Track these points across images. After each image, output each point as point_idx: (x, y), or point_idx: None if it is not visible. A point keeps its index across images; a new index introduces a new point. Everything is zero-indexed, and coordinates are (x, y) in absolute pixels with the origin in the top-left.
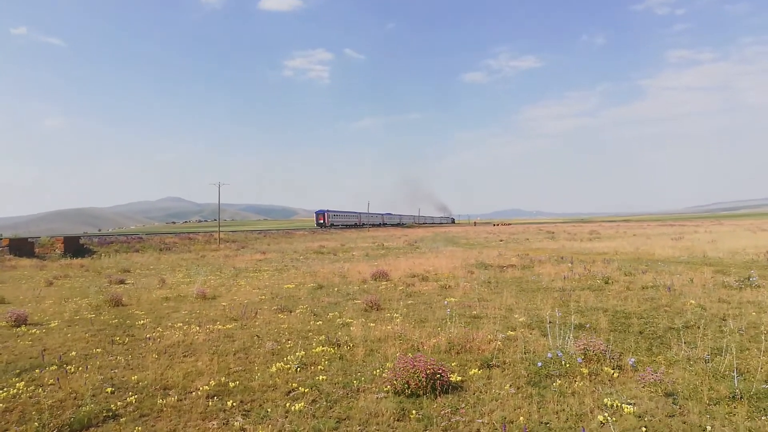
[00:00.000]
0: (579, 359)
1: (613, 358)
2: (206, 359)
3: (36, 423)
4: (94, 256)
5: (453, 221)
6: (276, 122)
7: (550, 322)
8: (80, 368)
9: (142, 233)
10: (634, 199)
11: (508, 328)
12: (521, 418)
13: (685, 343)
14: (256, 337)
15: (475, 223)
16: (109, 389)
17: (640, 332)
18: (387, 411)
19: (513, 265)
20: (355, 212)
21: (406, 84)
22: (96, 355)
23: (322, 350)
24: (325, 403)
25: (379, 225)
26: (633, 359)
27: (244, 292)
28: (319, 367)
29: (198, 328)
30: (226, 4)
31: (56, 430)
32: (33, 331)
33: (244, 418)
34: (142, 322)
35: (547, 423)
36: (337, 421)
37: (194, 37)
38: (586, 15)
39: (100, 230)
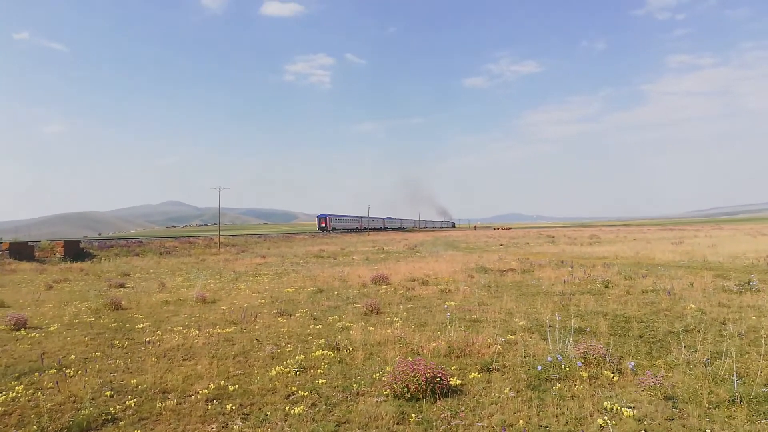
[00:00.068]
0: (579, 363)
1: (612, 362)
2: (206, 363)
3: (35, 426)
4: (94, 259)
5: (453, 225)
6: (277, 126)
7: (550, 326)
8: (79, 372)
9: (142, 237)
10: (635, 204)
11: (508, 332)
12: (521, 421)
13: (685, 347)
14: (255, 341)
15: (475, 228)
16: (108, 392)
17: (640, 336)
18: (386, 414)
19: (513, 269)
20: (357, 216)
21: (407, 88)
22: (95, 359)
23: (322, 354)
24: (324, 406)
25: (380, 229)
26: (633, 363)
27: (244, 296)
28: (319, 370)
29: (198, 331)
30: (227, 10)
31: None
32: (32, 334)
33: (243, 422)
34: (141, 325)
35: (547, 426)
36: (336, 425)
37: (195, 42)
38: (586, 20)
39: (100, 234)
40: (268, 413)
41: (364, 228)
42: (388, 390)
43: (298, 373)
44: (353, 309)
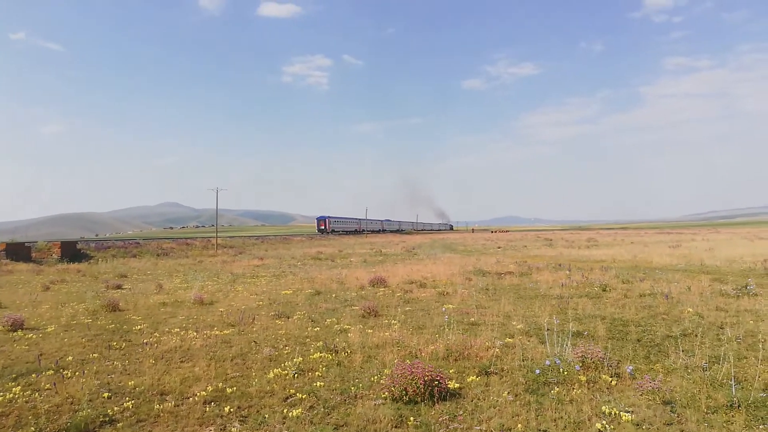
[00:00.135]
0: (577, 367)
1: (611, 366)
2: (203, 365)
3: (32, 428)
4: (92, 261)
5: (451, 228)
6: (275, 127)
7: (548, 330)
8: (77, 373)
9: (139, 238)
10: (632, 207)
11: (506, 336)
12: (519, 425)
13: (682, 351)
14: (253, 343)
15: (473, 230)
16: (105, 394)
17: (638, 340)
18: (385, 418)
19: (511, 272)
20: (356, 218)
21: (405, 89)
22: (93, 360)
23: (320, 356)
24: (322, 409)
25: (378, 231)
26: (631, 367)
27: (242, 298)
28: (317, 373)
29: (195, 333)
30: (225, 11)
31: None
32: (29, 335)
33: (241, 424)
34: (139, 327)
35: (545, 430)
36: (334, 428)
37: (193, 43)
38: (583, 22)
39: (97, 235)
40: (266, 416)
41: (363, 230)
42: (386, 393)
43: (296, 375)
44: (351, 311)
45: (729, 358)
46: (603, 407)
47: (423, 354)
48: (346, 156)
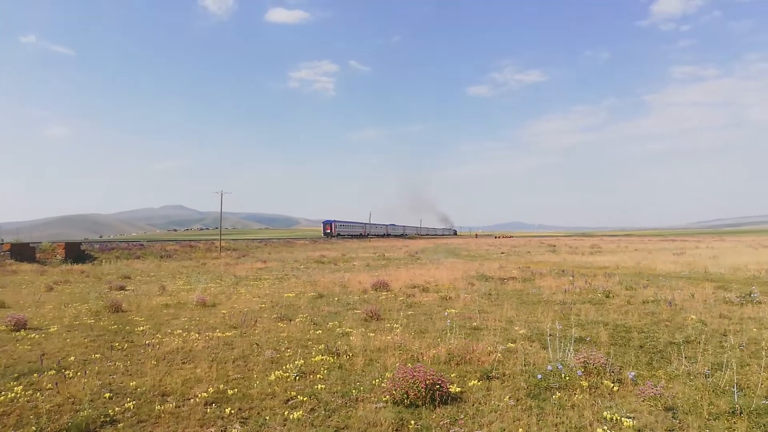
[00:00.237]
0: (579, 372)
1: (613, 372)
2: (205, 366)
3: (34, 427)
4: (95, 262)
5: (455, 233)
6: (280, 132)
7: (550, 335)
8: (79, 373)
9: (143, 240)
10: (637, 214)
11: (509, 340)
12: (520, 430)
13: (685, 357)
14: (255, 345)
15: (476, 235)
16: (107, 395)
17: (641, 346)
18: (386, 421)
19: (514, 277)
20: (361, 222)
21: (411, 95)
22: (95, 361)
23: (322, 359)
24: (323, 412)
25: (383, 235)
26: (633, 373)
27: (244, 301)
28: (318, 376)
29: (197, 335)
30: (233, 16)
31: None
32: (32, 335)
33: (242, 426)
34: (141, 328)
35: None
36: (335, 430)
37: (201, 48)
38: (591, 30)
39: (101, 236)
40: (267, 418)
41: (368, 234)
42: (387, 396)
43: (297, 378)
44: (353, 315)
45: (732, 365)
46: (605, 413)
47: (425, 358)
48: (350, 162)
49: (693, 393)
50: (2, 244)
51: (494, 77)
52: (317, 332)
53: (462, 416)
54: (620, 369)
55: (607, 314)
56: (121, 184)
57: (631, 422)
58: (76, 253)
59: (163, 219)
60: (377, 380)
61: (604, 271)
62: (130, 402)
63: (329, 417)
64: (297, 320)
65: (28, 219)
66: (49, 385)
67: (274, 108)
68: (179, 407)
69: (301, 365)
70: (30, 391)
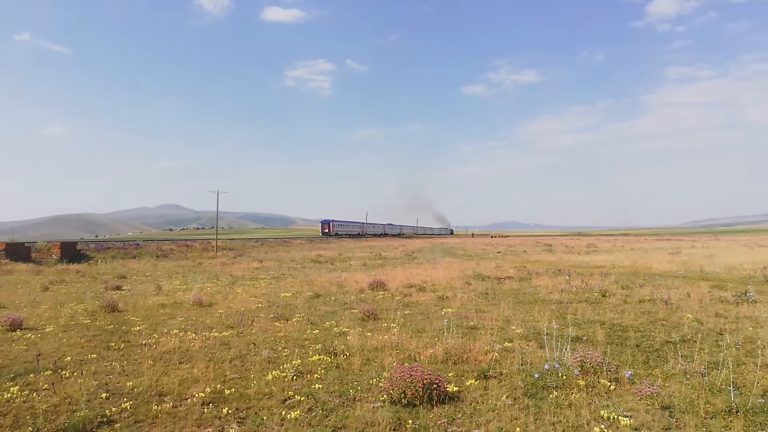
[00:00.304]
0: (576, 371)
1: (610, 371)
2: (202, 366)
3: (30, 428)
4: (91, 261)
5: (452, 232)
6: (276, 130)
7: (547, 334)
8: (75, 373)
9: (139, 240)
10: (632, 214)
11: (505, 340)
12: (518, 429)
13: (681, 356)
14: (252, 345)
15: (473, 235)
16: (103, 395)
17: (637, 345)
18: (383, 420)
19: (510, 276)
20: (359, 222)
21: (407, 95)
22: (91, 361)
23: (319, 359)
24: (321, 411)
25: (380, 235)
26: (630, 372)
27: (241, 300)
28: (316, 375)
29: (194, 335)
30: (229, 15)
31: None
32: (28, 335)
33: (239, 426)
34: (138, 328)
35: None
36: (333, 430)
37: (197, 46)
38: (587, 30)
39: (97, 236)
40: (265, 417)
41: (366, 233)
42: (385, 396)
43: (294, 377)
44: (350, 314)
45: (728, 363)
46: (602, 412)
47: (422, 357)
48: (347, 161)
49: (689, 392)
50: None
51: (490, 77)
52: (314, 332)
53: (459, 415)
54: (617, 368)
55: (604, 313)
56: (117, 183)
57: (628, 421)
58: (71, 252)
59: (159, 218)
60: (374, 380)
61: (600, 271)
62: (127, 402)
63: (327, 417)
64: (294, 320)
65: (24, 218)
66: (46, 386)
67: (270, 107)
68: (176, 407)
69: (299, 365)
70: (26, 392)
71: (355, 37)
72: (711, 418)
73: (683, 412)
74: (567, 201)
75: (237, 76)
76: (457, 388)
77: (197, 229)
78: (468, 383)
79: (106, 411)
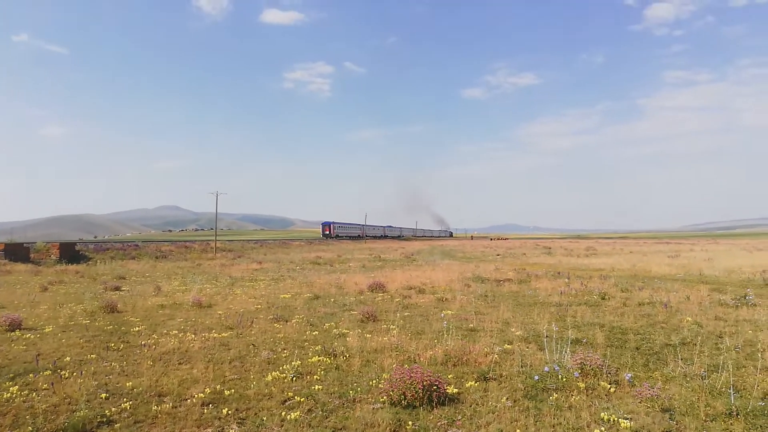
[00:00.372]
0: (576, 374)
1: (609, 373)
2: (201, 367)
3: (30, 427)
4: (90, 262)
5: (451, 235)
6: (275, 133)
7: (546, 337)
8: (75, 374)
9: (138, 241)
10: (631, 217)
11: (505, 342)
12: (518, 431)
13: (681, 359)
14: (251, 346)
15: (472, 237)
16: (103, 395)
17: (637, 348)
18: (383, 422)
19: (510, 279)
20: (359, 224)
21: (406, 97)
22: (90, 361)
23: (318, 360)
24: (321, 412)
25: (380, 237)
26: (630, 374)
27: (240, 301)
28: (315, 376)
29: (193, 336)
30: (228, 17)
31: None
32: (27, 335)
33: (239, 426)
34: (137, 328)
35: None
36: (333, 431)
37: (195, 48)
38: (585, 34)
39: (96, 237)
40: (264, 418)
41: (366, 235)
42: (384, 397)
43: (294, 378)
44: (350, 316)
45: (728, 367)
46: (602, 414)
47: (422, 359)
48: (346, 163)
49: (690, 394)
50: None
51: (488, 80)
52: (314, 333)
53: (459, 417)
54: (617, 370)
55: (603, 316)
56: (116, 184)
57: (629, 423)
58: (70, 253)
59: (158, 219)
60: (374, 381)
61: (599, 274)
62: (126, 402)
63: (327, 418)
64: (293, 321)
65: (23, 219)
66: (45, 386)
67: (269, 109)
68: (176, 408)
69: (298, 366)
70: (26, 392)
71: (353, 40)
72: (711, 421)
73: (683, 415)
74: (566, 204)
75: (236, 77)
76: (456, 390)
77: (196, 230)
78: (468, 385)
79: (106, 411)
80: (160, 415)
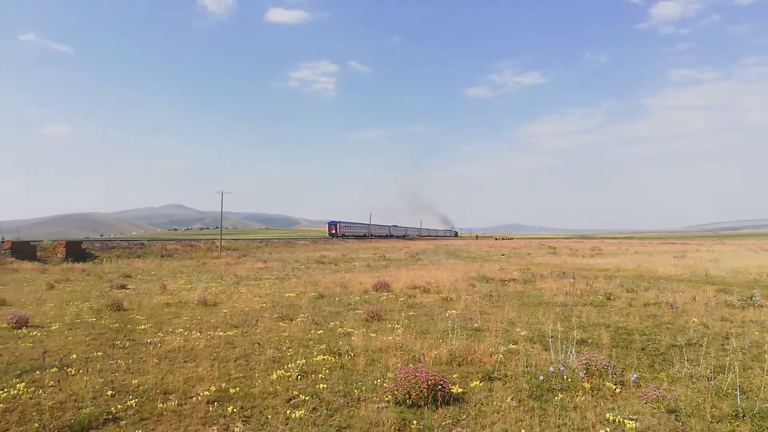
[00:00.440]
0: (581, 374)
1: (615, 374)
2: (207, 365)
3: (36, 424)
4: (96, 260)
5: (456, 234)
6: (280, 132)
7: (552, 337)
8: (81, 371)
9: (143, 239)
10: (636, 217)
11: (510, 342)
12: (522, 431)
13: (687, 360)
14: (256, 345)
15: (476, 237)
16: (109, 392)
17: (643, 349)
18: (388, 421)
19: (515, 279)
20: (365, 223)
21: (411, 96)
22: (97, 359)
23: (323, 359)
24: (325, 411)
25: (385, 236)
26: (635, 375)
27: (245, 300)
28: (320, 375)
29: (199, 334)
30: (233, 16)
31: (56, 431)
32: (34, 333)
33: (244, 424)
34: (143, 326)
35: None
36: (337, 430)
37: (200, 47)
38: (591, 32)
39: (102, 235)
40: (269, 416)
41: (372, 234)
42: (389, 396)
43: (299, 377)
44: (354, 315)
45: (734, 368)
46: (607, 414)
47: (426, 358)
48: (350, 162)
49: (695, 396)
50: (3, 242)
51: (493, 79)
52: (319, 332)
53: (464, 417)
54: (622, 371)
55: (609, 316)
56: (122, 183)
57: (634, 424)
58: (76, 251)
59: (164, 218)
60: (379, 380)
61: (604, 274)
62: (132, 400)
63: (331, 416)
64: (298, 320)
65: (29, 217)
66: (52, 383)
67: (274, 108)
68: (181, 405)
69: (303, 365)
70: (32, 388)
71: (358, 39)
72: (717, 422)
73: (689, 416)
74: (571, 203)
75: (240, 76)
76: (461, 390)
77: (201, 229)
78: (473, 385)
79: (112, 408)
80: (165, 413)
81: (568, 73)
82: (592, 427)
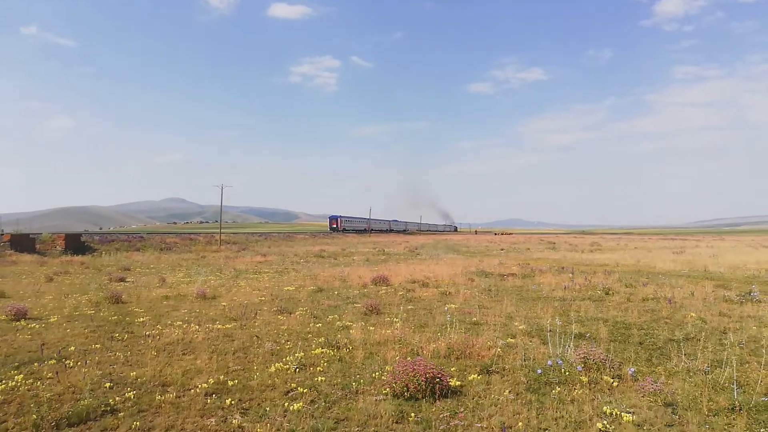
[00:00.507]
0: (579, 367)
1: (612, 368)
2: (205, 358)
3: (34, 415)
4: (95, 253)
5: (456, 229)
6: (281, 126)
7: (550, 331)
8: (79, 363)
9: (143, 232)
10: (636, 213)
11: (508, 336)
12: (520, 423)
13: (685, 354)
14: (255, 338)
15: (476, 232)
16: (107, 384)
17: (640, 343)
18: (386, 413)
19: (514, 273)
20: (365, 218)
21: (412, 92)
22: (95, 351)
23: (322, 352)
24: (323, 403)
25: (385, 231)
26: (633, 369)
27: (244, 293)
28: (318, 368)
29: (197, 327)
30: (235, 10)
31: (54, 423)
32: (32, 325)
33: (242, 416)
34: (141, 319)
35: (546, 429)
36: (335, 422)
37: (203, 42)
38: (594, 29)
39: (101, 228)
40: (267, 409)
41: (372, 229)
42: (387, 389)
43: (297, 370)
44: (353, 309)
45: (731, 362)
46: (604, 407)
47: (425, 352)
48: (351, 157)
49: (692, 389)
50: (2, 234)
51: (495, 75)
52: (317, 325)
53: (462, 409)
54: (620, 365)
55: (607, 311)
56: (122, 176)
57: (631, 417)
58: (76, 244)
59: (164, 212)
60: (377, 373)
61: (603, 269)
62: (130, 392)
63: (329, 409)
64: (297, 313)
65: (29, 210)
66: (50, 375)
67: (275, 102)
68: (180, 397)
69: (301, 357)
70: (31, 380)
71: (361, 34)
72: (714, 416)
73: (686, 410)
74: (571, 199)
75: (242, 71)
76: (459, 383)
77: (201, 222)
78: (471, 378)
79: (110, 400)
80: (163, 405)
81: (571, 70)
82: (589, 420)
